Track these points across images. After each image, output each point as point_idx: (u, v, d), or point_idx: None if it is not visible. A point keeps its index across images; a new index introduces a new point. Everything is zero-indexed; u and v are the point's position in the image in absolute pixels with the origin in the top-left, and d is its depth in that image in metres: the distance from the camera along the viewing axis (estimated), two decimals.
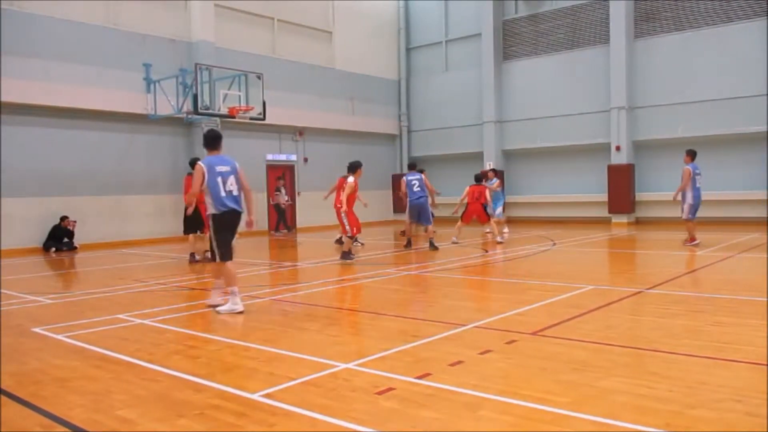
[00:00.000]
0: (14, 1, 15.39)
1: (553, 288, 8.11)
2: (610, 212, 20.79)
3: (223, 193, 7.08)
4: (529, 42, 23.19)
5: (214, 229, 7.21)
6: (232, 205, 7.13)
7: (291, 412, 3.78)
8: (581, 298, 7.40)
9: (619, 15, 20.43)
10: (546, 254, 12.63)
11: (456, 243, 14.88)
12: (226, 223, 7.19)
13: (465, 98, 24.73)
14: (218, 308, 7.15)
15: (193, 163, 14.73)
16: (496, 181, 17.32)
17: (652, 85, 20.31)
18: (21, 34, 15.50)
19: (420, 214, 14.05)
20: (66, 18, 16.36)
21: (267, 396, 4.06)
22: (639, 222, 20.57)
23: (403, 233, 15.64)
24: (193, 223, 12.46)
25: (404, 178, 14.39)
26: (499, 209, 17.33)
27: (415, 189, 14.06)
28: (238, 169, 7.36)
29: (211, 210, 7.14)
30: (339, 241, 14.67)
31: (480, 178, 15.54)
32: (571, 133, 21.92)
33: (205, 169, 7.05)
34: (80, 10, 16.67)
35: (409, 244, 14.25)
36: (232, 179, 7.19)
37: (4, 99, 15.10)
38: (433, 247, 13.55)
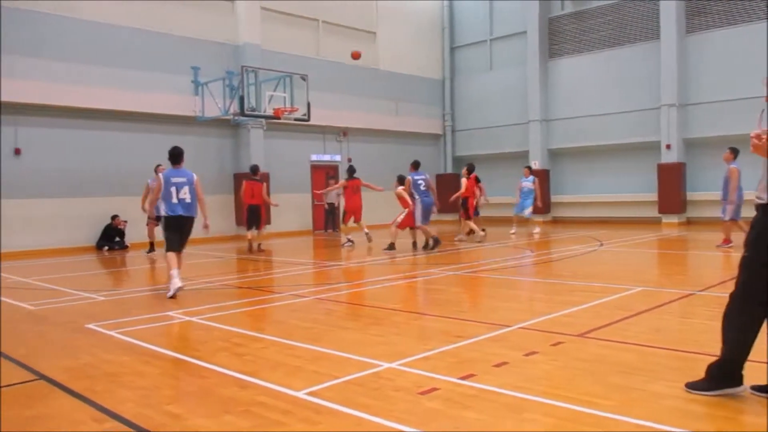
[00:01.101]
0: (67, 1, 15.93)
1: (600, 289, 7.96)
2: (660, 212, 20.28)
3: (174, 200, 8.52)
4: (575, 39, 22.80)
5: (164, 227, 8.81)
6: (180, 211, 8.55)
7: (335, 410, 3.80)
8: (629, 299, 7.24)
9: (670, 10, 19.89)
10: (593, 255, 12.40)
11: (463, 240, 15.62)
12: (173, 224, 8.63)
13: (510, 97, 24.48)
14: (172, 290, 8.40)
15: (254, 169, 15.31)
16: (532, 179, 17.28)
17: (703, 82, 19.71)
18: (83, 42, 16.07)
19: (428, 215, 14.04)
20: (122, 24, 16.88)
21: (311, 394, 4.09)
22: (690, 222, 20.00)
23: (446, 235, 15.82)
24: (253, 219, 14.99)
25: (410, 177, 14.05)
26: (529, 209, 17.18)
27: (422, 188, 13.99)
28: (195, 181, 8.72)
29: (162, 213, 8.67)
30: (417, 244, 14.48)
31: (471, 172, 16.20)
32: (619, 131, 21.45)
33: (162, 181, 8.59)
34: (134, 16, 17.17)
35: (436, 243, 13.83)
36: (185, 189, 8.58)
37: (66, 104, 15.80)
38: (435, 244, 13.68)
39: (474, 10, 25.76)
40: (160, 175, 8.76)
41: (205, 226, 8.97)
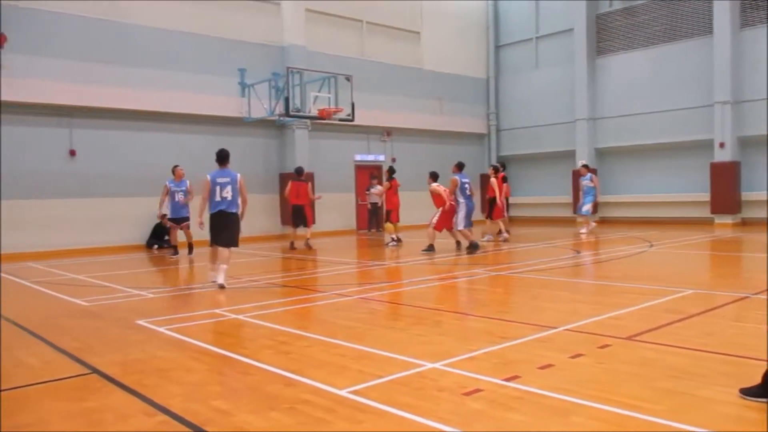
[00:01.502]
0: (118, 1, 16.40)
1: (649, 291, 7.78)
2: (712, 212, 19.67)
3: (218, 198, 9.20)
4: (624, 36, 22.31)
5: (209, 223, 9.38)
6: (221, 207, 9.20)
7: (378, 409, 3.81)
8: (680, 302, 7.05)
9: (724, 4, 19.27)
10: (642, 256, 12.12)
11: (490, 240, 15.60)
12: (215, 219, 9.30)
13: (556, 95, 24.11)
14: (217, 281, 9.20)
15: (299, 170, 15.56)
16: (590, 176, 17.23)
17: (759, 78, 18.99)
18: (134, 46, 16.55)
19: (471, 219, 13.61)
20: (171, 28, 17.32)
21: (355, 393, 4.11)
22: (745, 223, 19.35)
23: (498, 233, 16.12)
24: (298, 219, 15.32)
25: (457, 179, 13.47)
26: (587, 206, 17.16)
27: (468, 193, 13.55)
28: (237, 180, 9.33)
29: (209, 210, 9.35)
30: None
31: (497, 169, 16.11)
32: (670, 129, 20.90)
33: (209, 181, 9.25)
34: (183, 20, 17.58)
35: (475, 248, 13.28)
36: (228, 188, 9.22)
37: (118, 106, 16.31)
38: (473, 249, 13.20)
39: (519, 9, 25.47)
40: (208, 175, 9.29)
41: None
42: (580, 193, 18.13)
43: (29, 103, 15.03)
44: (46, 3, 15.27)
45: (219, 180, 9.24)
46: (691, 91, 20.39)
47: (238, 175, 9.41)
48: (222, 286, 9.05)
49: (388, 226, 16.00)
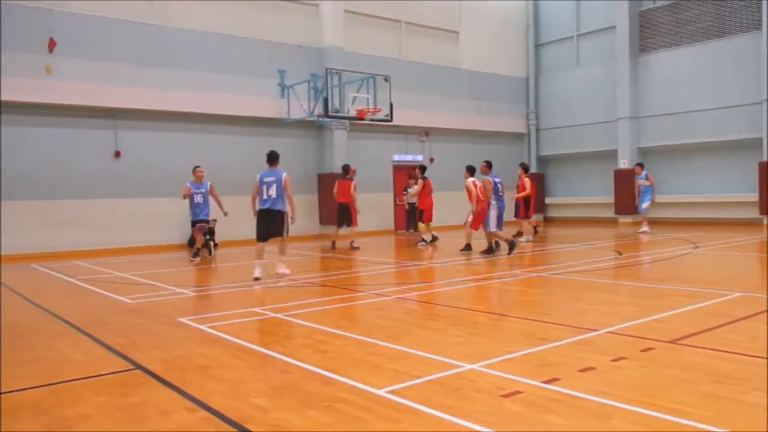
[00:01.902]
0: (159, 1, 16.75)
1: (694, 294, 7.59)
2: (761, 213, 19.05)
3: (264, 197, 9.95)
4: (668, 32, 21.80)
5: (256, 220, 10.10)
6: (265, 205, 9.96)
7: (416, 409, 3.80)
8: (726, 305, 6.85)
9: None
10: (687, 258, 11.83)
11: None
12: (260, 216, 10.05)
13: (597, 94, 23.72)
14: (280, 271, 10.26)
15: (345, 169, 15.66)
16: (645, 175, 17.13)
17: None
18: (175, 49, 16.90)
19: (502, 220, 13.18)
20: (212, 31, 17.63)
21: (392, 392, 4.11)
22: None
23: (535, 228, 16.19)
24: (343, 216, 15.47)
25: (491, 179, 13.00)
26: (646, 204, 17.19)
27: (500, 193, 13.06)
28: (282, 179, 9.93)
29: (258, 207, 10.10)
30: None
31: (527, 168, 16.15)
32: (716, 128, 20.34)
33: (258, 180, 10.05)
34: (224, 23, 17.88)
35: (512, 246, 12.73)
36: (273, 187, 9.88)
37: (161, 108, 16.67)
38: (511, 247, 12.73)
39: (560, 7, 25.12)
40: (258, 175, 10.10)
41: (292, 220, 10.22)
42: (636, 191, 18.03)
43: (76, 105, 15.48)
44: (92, 7, 15.70)
45: (266, 179, 9.97)
46: (739, 89, 19.81)
47: (284, 174, 9.98)
48: (257, 279, 9.82)
49: (421, 226, 16.04)
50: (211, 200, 13.60)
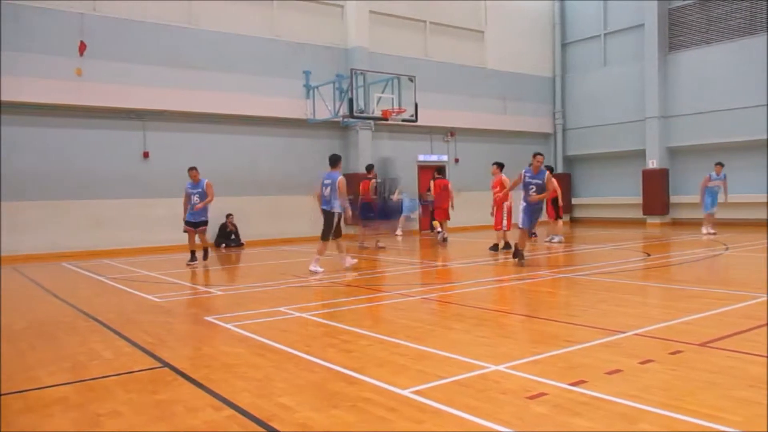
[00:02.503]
0: None
1: (725, 296, 7.45)
2: None
3: (324, 197, 10.91)
4: (699, 30, 21.43)
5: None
6: (323, 206, 10.96)
7: (440, 410, 3.79)
8: (759, 308, 6.71)
9: None
10: (717, 259, 11.62)
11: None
12: (323, 216, 11.01)
13: (625, 93, 23.41)
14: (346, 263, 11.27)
15: (369, 168, 15.67)
16: (724, 175, 16.93)
17: None
18: (203, 51, 17.12)
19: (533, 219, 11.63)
20: (239, 33, 17.82)
21: (417, 393, 4.10)
22: None
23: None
24: (366, 216, 15.48)
25: (524, 174, 11.27)
26: (715, 206, 17.02)
27: (531, 192, 11.17)
28: (337, 181, 10.75)
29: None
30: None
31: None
32: (749, 126, 19.92)
33: (321, 181, 11.06)
34: (250, 24, 18.05)
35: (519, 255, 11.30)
36: (329, 188, 10.82)
37: (188, 109, 16.87)
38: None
39: (587, 6, 24.86)
40: (320, 176, 11.25)
41: (347, 217, 11.32)
42: (703, 190, 17.19)
43: (106, 107, 15.75)
44: (121, 10, 15.96)
45: (325, 181, 10.94)
46: None
47: (339, 177, 10.83)
48: (314, 272, 10.67)
49: (435, 222, 16.36)
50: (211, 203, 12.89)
